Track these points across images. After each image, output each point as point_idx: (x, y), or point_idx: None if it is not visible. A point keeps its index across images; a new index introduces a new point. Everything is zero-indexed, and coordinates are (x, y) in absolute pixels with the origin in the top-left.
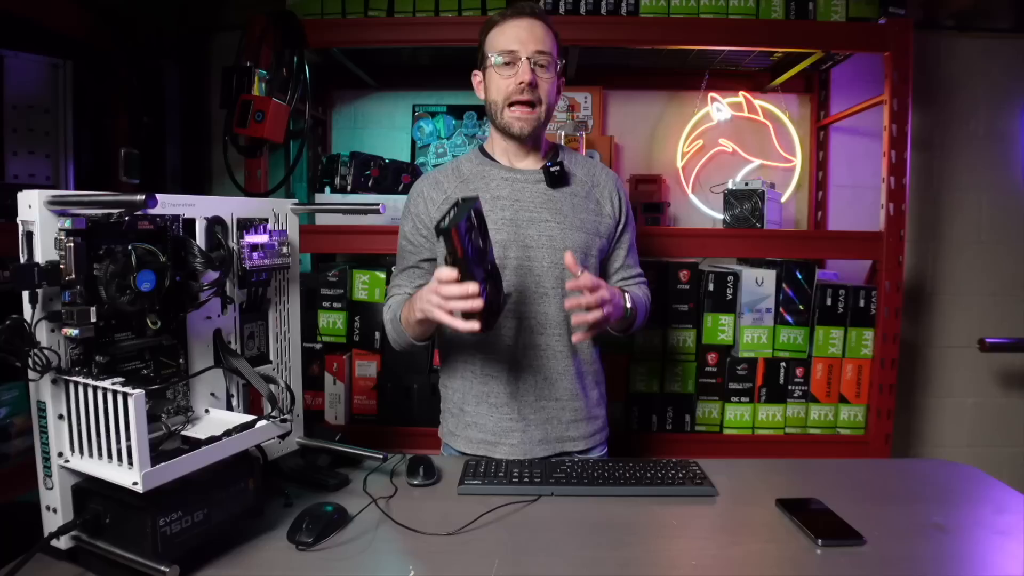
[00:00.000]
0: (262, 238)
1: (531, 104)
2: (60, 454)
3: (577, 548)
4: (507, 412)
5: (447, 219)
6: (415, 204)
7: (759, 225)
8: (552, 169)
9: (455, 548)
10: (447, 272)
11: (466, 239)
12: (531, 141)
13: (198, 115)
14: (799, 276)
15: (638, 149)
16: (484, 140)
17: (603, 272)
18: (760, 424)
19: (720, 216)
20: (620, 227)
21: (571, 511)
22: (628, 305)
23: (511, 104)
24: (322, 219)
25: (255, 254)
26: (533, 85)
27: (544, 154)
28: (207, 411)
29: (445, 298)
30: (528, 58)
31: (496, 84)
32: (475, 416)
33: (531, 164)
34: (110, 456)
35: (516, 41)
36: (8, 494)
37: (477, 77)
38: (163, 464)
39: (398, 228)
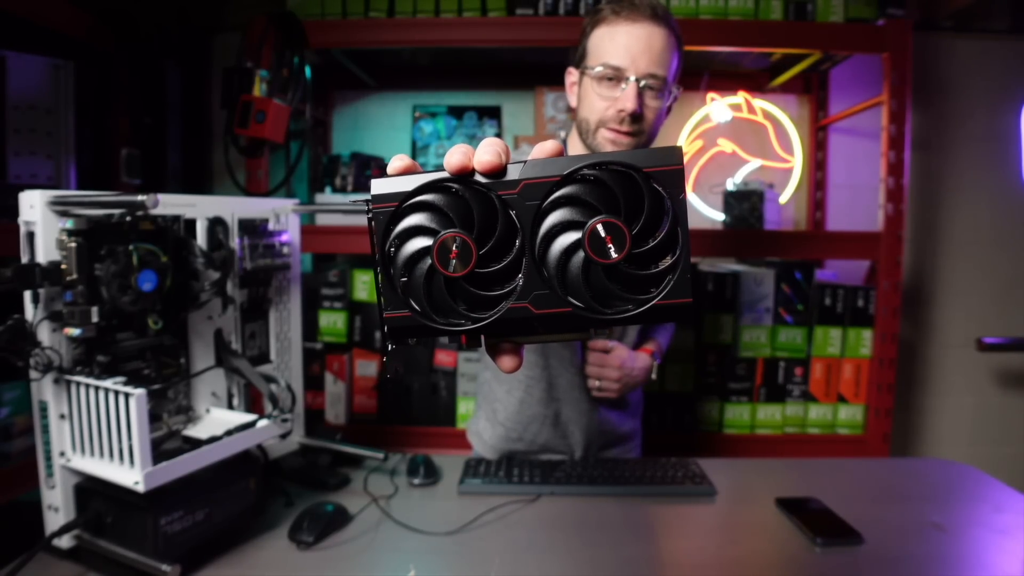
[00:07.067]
0: (263, 238)
1: (630, 133)
2: (62, 453)
3: (577, 548)
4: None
5: None
6: None
7: (758, 225)
8: None
9: (455, 548)
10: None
11: None
12: None
13: (199, 115)
14: (798, 276)
15: None
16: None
17: None
18: (759, 423)
19: (720, 216)
20: None
21: (571, 511)
22: (653, 365)
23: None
24: (323, 219)
25: (256, 254)
26: (636, 115)
27: None
28: (208, 411)
29: None
30: (637, 79)
31: (592, 101)
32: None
33: None
34: (112, 455)
35: (626, 55)
36: (10, 493)
37: (571, 76)
38: (164, 464)
39: None
